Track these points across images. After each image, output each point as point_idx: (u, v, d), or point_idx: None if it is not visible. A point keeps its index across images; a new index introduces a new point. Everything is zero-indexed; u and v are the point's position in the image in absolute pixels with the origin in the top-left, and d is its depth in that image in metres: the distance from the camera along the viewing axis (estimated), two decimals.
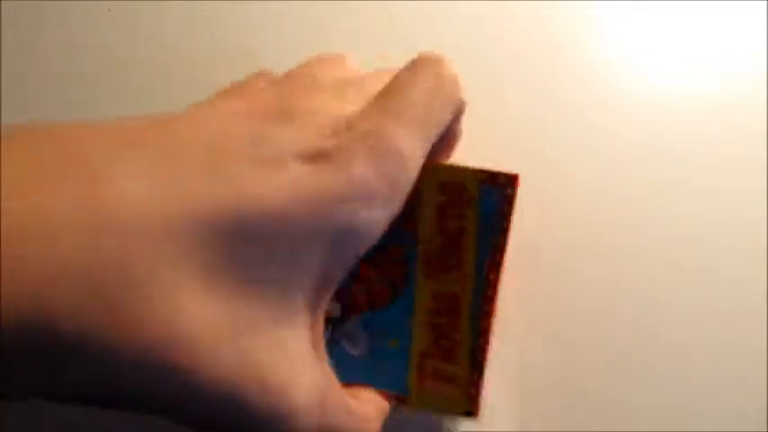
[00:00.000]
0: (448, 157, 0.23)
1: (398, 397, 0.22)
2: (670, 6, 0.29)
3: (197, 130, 0.16)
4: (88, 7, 0.30)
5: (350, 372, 0.21)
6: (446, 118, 0.20)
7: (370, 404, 0.20)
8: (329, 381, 0.18)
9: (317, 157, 0.16)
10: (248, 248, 0.15)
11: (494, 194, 0.21)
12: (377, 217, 0.17)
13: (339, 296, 0.22)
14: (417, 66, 0.20)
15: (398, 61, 0.20)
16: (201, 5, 0.30)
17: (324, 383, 0.17)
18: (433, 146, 0.19)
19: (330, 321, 0.22)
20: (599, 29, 0.29)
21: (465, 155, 0.23)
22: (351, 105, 0.18)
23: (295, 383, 0.16)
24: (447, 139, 0.22)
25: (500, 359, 0.25)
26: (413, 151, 0.18)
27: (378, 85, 0.20)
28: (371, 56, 0.26)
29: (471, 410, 0.22)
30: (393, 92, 0.19)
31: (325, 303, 0.18)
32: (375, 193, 0.17)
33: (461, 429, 0.25)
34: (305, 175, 0.16)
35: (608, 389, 0.25)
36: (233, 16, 0.30)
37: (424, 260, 0.22)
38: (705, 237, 0.26)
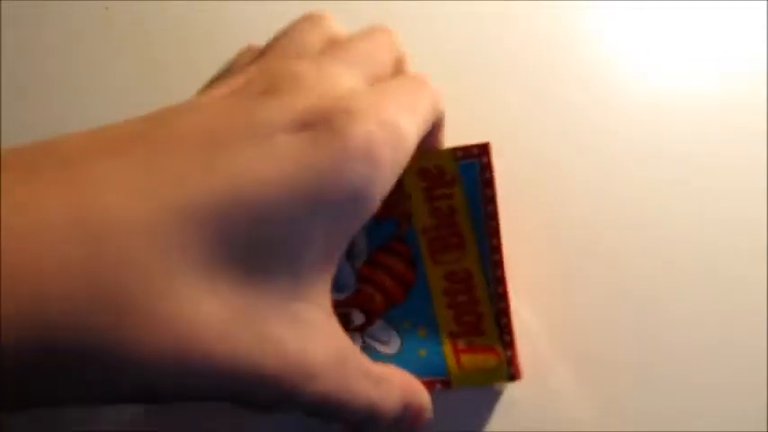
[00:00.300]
0: None
1: (442, 381, 0.23)
2: (670, 6, 0.29)
3: (186, 122, 0.16)
4: (88, 7, 0.30)
5: None
6: (430, 116, 0.20)
7: (394, 373, 0.20)
8: (345, 344, 0.18)
9: (309, 124, 0.16)
10: (249, 230, 0.15)
11: (472, 167, 0.22)
12: (376, 183, 0.16)
13: (358, 304, 0.22)
14: (404, 74, 0.20)
15: None
16: (201, 5, 0.30)
17: (340, 346, 0.17)
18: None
19: (357, 330, 0.23)
20: (599, 29, 0.29)
21: None
22: (337, 69, 0.18)
23: (311, 350, 0.16)
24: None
25: None
26: (409, 129, 0.18)
27: (361, 46, 0.20)
28: None
29: (513, 374, 0.23)
30: (382, 84, 0.19)
31: (333, 270, 0.17)
32: (375, 159, 0.16)
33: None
34: (298, 145, 0.15)
35: (607, 388, 0.25)
36: (233, 16, 0.30)
37: (427, 247, 0.22)
38: (705, 237, 0.26)
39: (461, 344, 0.23)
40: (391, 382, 0.19)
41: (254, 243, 0.15)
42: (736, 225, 0.26)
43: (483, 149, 0.22)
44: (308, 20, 0.20)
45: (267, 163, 0.15)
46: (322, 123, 0.16)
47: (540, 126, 0.28)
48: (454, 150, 0.22)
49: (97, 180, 0.14)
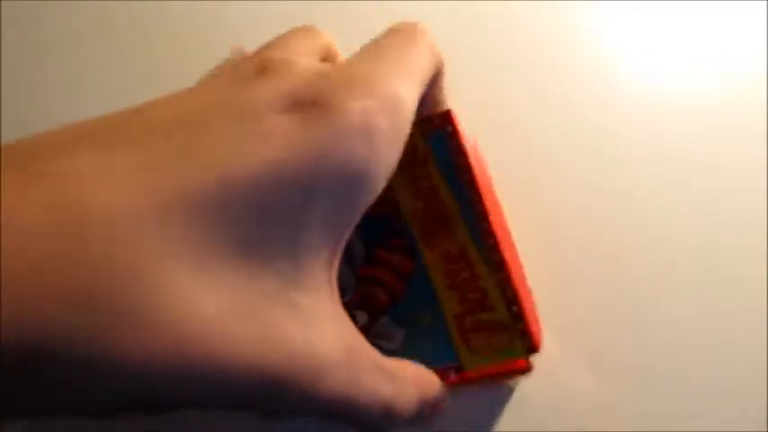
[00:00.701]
0: None
1: (453, 367, 0.22)
2: (670, 6, 0.29)
3: (174, 108, 0.15)
4: (88, 7, 0.30)
5: None
6: (428, 72, 0.19)
7: (406, 366, 0.19)
8: (355, 336, 0.17)
9: (302, 104, 0.15)
10: (243, 217, 0.14)
11: (440, 139, 0.21)
12: (376, 160, 0.15)
13: (361, 304, 0.22)
14: (393, 28, 0.19)
15: None
16: (202, 5, 0.30)
17: (348, 338, 0.16)
18: (419, 110, 0.18)
19: (361, 330, 0.22)
20: (599, 29, 0.29)
21: None
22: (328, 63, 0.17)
23: (319, 343, 0.15)
24: (431, 107, 0.21)
25: None
26: (406, 94, 0.17)
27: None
28: None
29: (530, 346, 0.21)
30: (373, 47, 0.18)
31: (337, 259, 0.16)
32: (373, 134, 0.15)
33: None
34: (289, 125, 0.15)
35: (607, 389, 0.25)
36: (233, 16, 0.30)
37: (420, 232, 0.22)
38: (705, 237, 0.26)
39: (468, 324, 0.22)
40: (405, 378, 0.18)
41: (249, 228, 0.14)
42: (736, 225, 0.26)
43: (445, 118, 0.21)
44: (300, 29, 0.20)
45: (257, 144, 0.14)
46: (313, 102, 0.15)
47: (540, 126, 0.28)
48: (419, 126, 0.21)
49: (79, 174, 0.13)
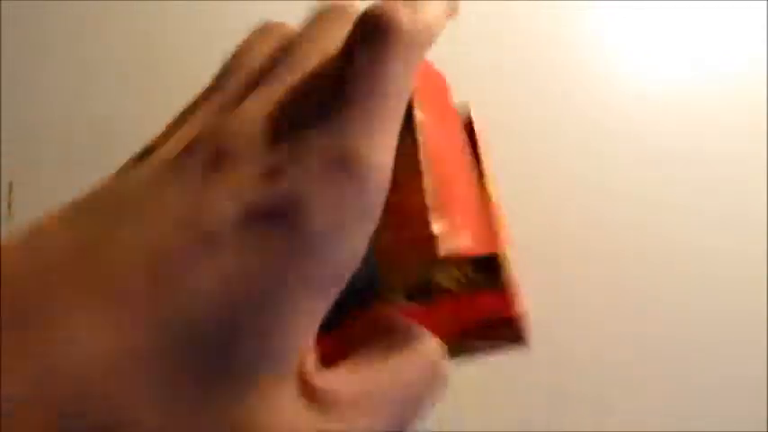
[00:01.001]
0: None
1: (371, 287, 0.19)
2: (670, 6, 0.29)
3: (127, 236, 0.14)
4: (88, 7, 0.30)
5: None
6: (410, 87, 0.15)
7: (422, 338, 0.17)
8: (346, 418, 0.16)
9: (261, 215, 0.14)
10: (209, 346, 0.13)
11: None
12: (353, 241, 0.14)
13: None
14: (356, 40, 0.15)
15: None
16: (202, 5, 0.30)
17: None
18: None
19: None
20: (599, 29, 0.29)
21: None
22: (290, 107, 0.16)
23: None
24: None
25: (496, 360, 0.25)
26: (383, 158, 0.15)
27: (315, 47, 0.15)
28: None
29: (432, 216, 0.18)
30: (338, 86, 0.14)
31: (312, 338, 0.16)
32: (346, 224, 0.14)
33: None
34: (253, 241, 0.14)
35: (609, 389, 0.25)
36: (233, 16, 0.30)
37: None
38: (705, 237, 0.26)
39: (389, 239, 0.19)
40: (425, 339, 0.17)
41: (218, 356, 0.13)
42: (737, 225, 0.26)
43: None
44: (257, 33, 0.18)
45: (219, 270, 0.14)
46: (271, 212, 0.14)
47: (539, 125, 0.28)
48: None
49: (44, 325, 0.13)
